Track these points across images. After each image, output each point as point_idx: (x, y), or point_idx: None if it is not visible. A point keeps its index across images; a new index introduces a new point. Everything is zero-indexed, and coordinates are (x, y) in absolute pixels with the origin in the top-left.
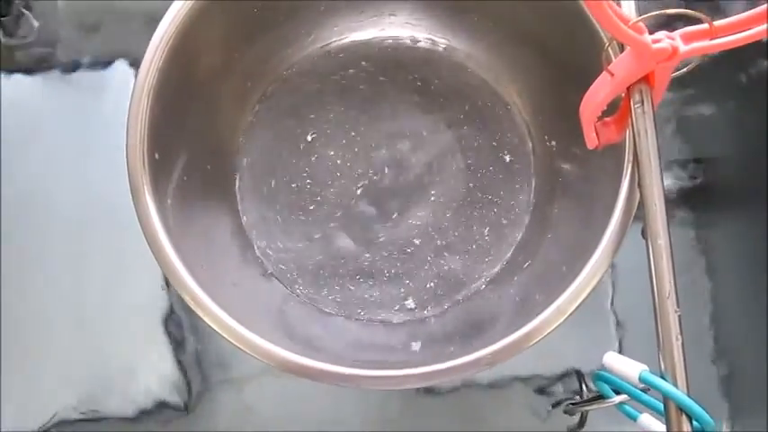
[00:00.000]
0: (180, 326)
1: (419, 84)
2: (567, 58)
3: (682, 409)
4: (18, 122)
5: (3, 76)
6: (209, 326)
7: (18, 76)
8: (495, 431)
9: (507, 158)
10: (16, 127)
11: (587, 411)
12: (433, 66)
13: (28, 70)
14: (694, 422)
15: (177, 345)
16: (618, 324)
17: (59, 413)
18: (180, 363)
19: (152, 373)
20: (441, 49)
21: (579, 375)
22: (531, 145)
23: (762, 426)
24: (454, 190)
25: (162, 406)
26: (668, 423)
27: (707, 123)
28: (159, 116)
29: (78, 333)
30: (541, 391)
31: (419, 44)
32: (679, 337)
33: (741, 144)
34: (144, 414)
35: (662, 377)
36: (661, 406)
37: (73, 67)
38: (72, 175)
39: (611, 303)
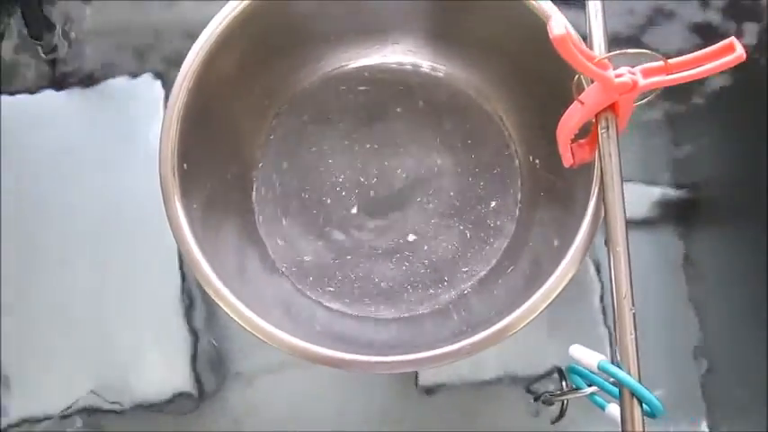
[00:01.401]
0: (195, 322)
1: (419, 104)
2: (550, 84)
3: (633, 394)
4: (49, 133)
5: (41, 90)
6: (230, 316)
7: (50, 91)
8: (492, 429)
9: (497, 173)
10: (48, 137)
11: (566, 402)
12: (432, 89)
13: (59, 85)
14: (644, 406)
15: (192, 340)
16: (606, 325)
17: (79, 401)
18: (193, 358)
19: (165, 367)
20: (439, 74)
21: (560, 371)
22: (517, 162)
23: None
24: (449, 200)
25: (175, 398)
26: (622, 406)
27: (697, 140)
28: (188, 132)
29: (97, 327)
30: (529, 388)
31: (420, 69)
32: (633, 332)
33: (730, 161)
34: (156, 406)
35: (618, 366)
36: None
37: (100, 81)
38: (98, 181)
39: (601, 305)
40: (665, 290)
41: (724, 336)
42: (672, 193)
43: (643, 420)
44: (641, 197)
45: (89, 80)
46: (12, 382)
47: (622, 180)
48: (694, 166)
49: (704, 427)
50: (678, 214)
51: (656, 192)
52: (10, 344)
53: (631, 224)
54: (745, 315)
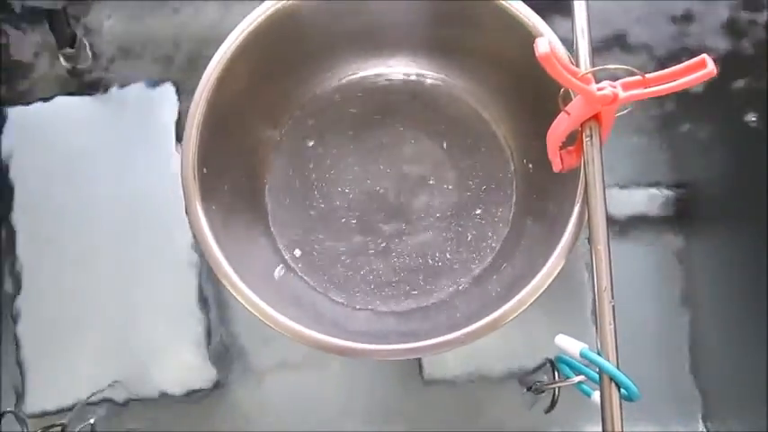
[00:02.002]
0: (210, 319)
1: (421, 111)
2: (543, 94)
3: (612, 379)
4: (69, 138)
5: (63, 97)
6: (246, 309)
7: (70, 98)
8: (493, 421)
9: (493, 177)
10: (68, 142)
11: (557, 391)
12: (433, 96)
13: (79, 92)
14: (622, 390)
15: (206, 337)
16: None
17: (102, 392)
18: (207, 354)
19: (181, 362)
20: (440, 83)
21: (552, 363)
22: (512, 166)
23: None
24: (448, 202)
25: (189, 393)
26: (602, 391)
27: (692, 143)
28: (206, 138)
29: (118, 324)
30: (523, 380)
31: (422, 78)
32: (612, 322)
33: (723, 164)
34: (173, 398)
35: (598, 354)
36: None
37: (117, 88)
38: (116, 184)
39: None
40: (661, 289)
41: (721, 335)
42: (668, 192)
43: (620, 403)
44: (637, 197)
45: (107, 88)
46: (38, 375)
47: (604, 184)
48: (691, 166)
49: (702, 427)
50: (674, 213)
51: (653, 191)
52: (35, 339)
53: (627, 223)
54: (742, 314)
